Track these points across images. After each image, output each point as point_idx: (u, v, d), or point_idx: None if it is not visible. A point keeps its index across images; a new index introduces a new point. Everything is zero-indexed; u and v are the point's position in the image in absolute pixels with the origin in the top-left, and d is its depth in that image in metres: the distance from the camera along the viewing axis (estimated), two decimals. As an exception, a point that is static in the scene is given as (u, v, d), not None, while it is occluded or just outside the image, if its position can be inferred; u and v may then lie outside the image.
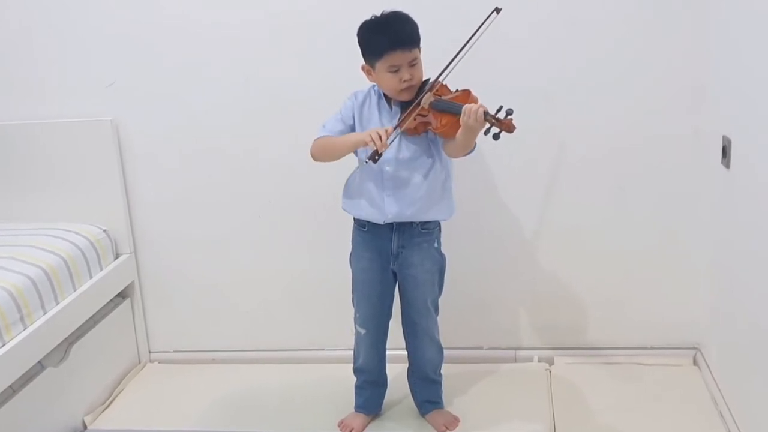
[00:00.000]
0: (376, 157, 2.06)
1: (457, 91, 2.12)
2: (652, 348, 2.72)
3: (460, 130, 2.01)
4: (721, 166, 2.31)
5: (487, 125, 1.95)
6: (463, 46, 2.05)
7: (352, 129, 2.22)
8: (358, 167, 2.26)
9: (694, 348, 2.70)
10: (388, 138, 2.04)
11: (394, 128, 2.09)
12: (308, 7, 2.56)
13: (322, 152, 2.22)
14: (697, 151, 2.50)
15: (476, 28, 2.04)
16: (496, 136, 1.94)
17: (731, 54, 2.23)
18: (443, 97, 2.09)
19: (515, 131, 1.93)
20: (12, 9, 2.68)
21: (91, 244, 2.65)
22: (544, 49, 2.50)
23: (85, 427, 2.54)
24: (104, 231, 2.74)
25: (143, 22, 2.64)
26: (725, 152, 2.27)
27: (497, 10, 2.05)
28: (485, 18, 2.04)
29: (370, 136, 2.03)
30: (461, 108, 1.98)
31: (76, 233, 2.64)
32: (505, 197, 2.66)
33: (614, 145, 2.56)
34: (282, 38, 2.60)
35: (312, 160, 2.24)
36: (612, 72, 2.50)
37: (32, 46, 2.71)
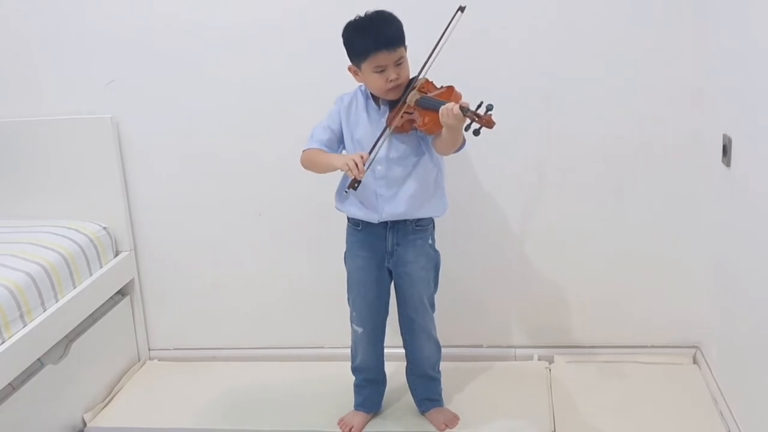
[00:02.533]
0: (356, 185, 2.07)
1: (442, 87, 2.12)
2: (652, 347, 2.72)
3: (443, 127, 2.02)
4: (722, 165, 2.31)
5: (468, 121, 1.95)
6: (434, 49, 2.07)
7: (340, 134, 2.23)
8: None
9: (694, 346, 2.70)
10: (365, 163, 2.05)
11: (379, 137, 2.10)
12: (307, 9, 2.56)
13: (309, 165, 2.23)
14: (697, 150, 2.50)
15: (444, 28, 2.05)
16: (476, 132, 1.93)
17: (731, 52, 2.22)
18: (428, 95, 2.09)
19: (495, 127, 1.92)
20: (12, 6, 2.68)
21: (91, 241, 2.65)
22: (543, 51, 2.50)
23: (84, 424, 2.55)
24: (104, 228, 2.75)
25: (143, 20, 2.64)
26: (725, 151, 2.26)
27: (461, 9, 2.07)
28: (451, 17, 2.05)
29: (347, 164, 2.04)
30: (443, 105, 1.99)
31: (76, 230, 2.64)
32: (507, 197, 2.66)
33: (614, 144, 2.55)
34: (281, 38, 2.60)
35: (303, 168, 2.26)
36: (611, 72, 2.49)
37: (32, 43, 2.71)
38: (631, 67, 2.48)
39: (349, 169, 2.03)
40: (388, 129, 2.13)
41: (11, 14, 2.69)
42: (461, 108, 1.94)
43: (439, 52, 2.07)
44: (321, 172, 2.22)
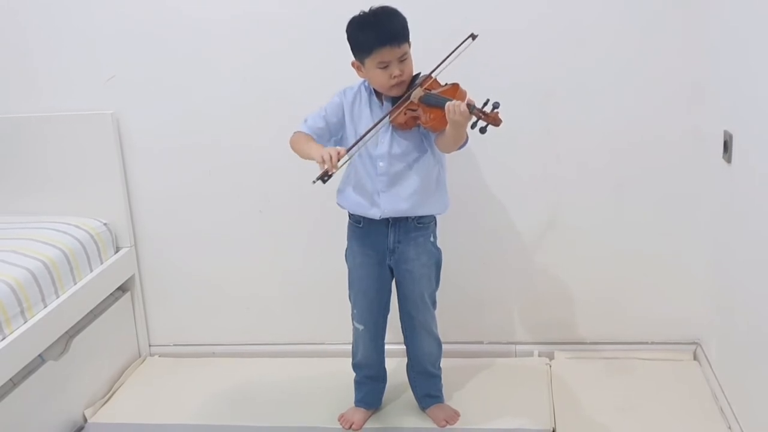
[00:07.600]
0: (325, 178, 2.02)
1: (446, 84, 2.11)
2: (652, 343, 2.72)
3: (447, 124, 2.01)
4: (723, 161, 2.31)
5: (474, 119, 1.94)
6: (437, 67, 2.07)
7: (335, 126, 2.22)
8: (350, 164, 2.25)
9: (694, 343, 2.70)
10: (340, 159, 2.01)
11: (367, 131, 2.09)
12: (307, 2, 2.56)
13: (294, 147, 2.21)
14: (698, 147, 2.50)
15: (451, 51, 2.04)
16: (482, 130, 1.92)
17: (731, 48, 2.22)
18: (433, 92, 2.09)
19: (501, 125, 1.91)
20: (11, 3, 2.68)
21: (92, 237, 2.65)
22: (543, 48, 2.50)
23: (85, 420, 2.55)
24: (105, 224, 2.74)
25: (144, 15, 2.64)
26: (726, 147, 2.26)
27: (473, 37, 2.04)
28: (460, 43, 2.03)
29: (322, 156, 2.01)
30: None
31: (77, 227, 2.64)
32: (507, 194, 2.66)
33: (615, 141, 2.55)
34: (282, 33, 2.60)
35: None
36: (611, 69, 2.49)
37: (33, 39, 2.71)
38: (632, 63, 2.47)
39: (323, 162, 2.00)
40: (377, 126, 2.11)
41: (11, 11, 2.69)
42: (467, 105, 1.93)
43: (442, 70, 2.07)
44: (302, 158, 2.20)
